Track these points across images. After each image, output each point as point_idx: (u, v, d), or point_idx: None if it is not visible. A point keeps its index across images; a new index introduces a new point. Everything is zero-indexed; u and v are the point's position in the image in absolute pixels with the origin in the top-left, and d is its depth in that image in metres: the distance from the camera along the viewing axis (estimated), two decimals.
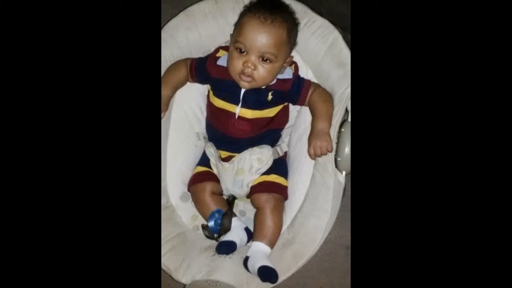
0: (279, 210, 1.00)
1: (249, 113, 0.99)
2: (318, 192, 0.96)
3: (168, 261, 0.94)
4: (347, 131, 0.93)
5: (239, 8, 1.01)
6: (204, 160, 1.07)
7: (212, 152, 1.04)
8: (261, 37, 0.91)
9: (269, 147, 1.03)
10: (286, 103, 1.05)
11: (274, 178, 1.03)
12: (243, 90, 0.98)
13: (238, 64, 0.93)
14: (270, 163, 1.03)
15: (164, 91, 1.01)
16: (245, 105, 0.99)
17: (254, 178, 1.02)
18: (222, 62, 1.00)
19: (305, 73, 1.06)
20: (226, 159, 1.03)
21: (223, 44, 1.06)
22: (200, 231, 1.03)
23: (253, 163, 1.01)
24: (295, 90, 1.00)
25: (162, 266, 0.94)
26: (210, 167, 1.06)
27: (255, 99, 0.99)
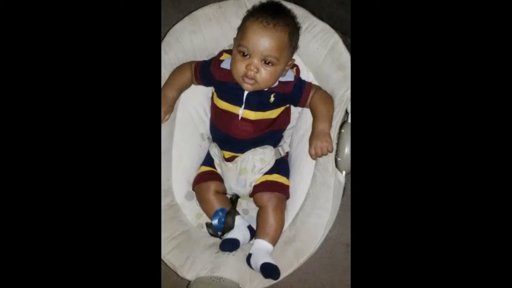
0: (281, 208, 1.01)
1: (252, 115, 1.01)
2: (319, 191, 0.97)
3: (173, 258, 0.95)
4: (347, 132, 0.93)
5: (242, 13, 1.01)
6: (208, 160, 1.08)
7: (216, 152, 1.05)
8: (264, 40, 0.91)
9: (271, 147, 1.04)
10: (287, 105, 1.06)
11: (276, 177, 1.04)
12: (246, 92, 0.99)
13: (241, 67, 0.94)
14: (272, 163, 1.04)
15: (169, 93, 1.02)
16: (248, 107, 1.00)
17: (256, 177, 1.03)
18: (225, 65, 1.01)
19: (306, 75, 1.06)
20: (230, 159, 1.04)
21: (227, 48, 1.07)
22: (204, 229, 1.04)
23: (255, 163, 1.02)
24: (297, 92, 1.01)
25: (167, 263, 0.95)
26: (214, 167, 1.07)
27: (258, 101, 1.00)
